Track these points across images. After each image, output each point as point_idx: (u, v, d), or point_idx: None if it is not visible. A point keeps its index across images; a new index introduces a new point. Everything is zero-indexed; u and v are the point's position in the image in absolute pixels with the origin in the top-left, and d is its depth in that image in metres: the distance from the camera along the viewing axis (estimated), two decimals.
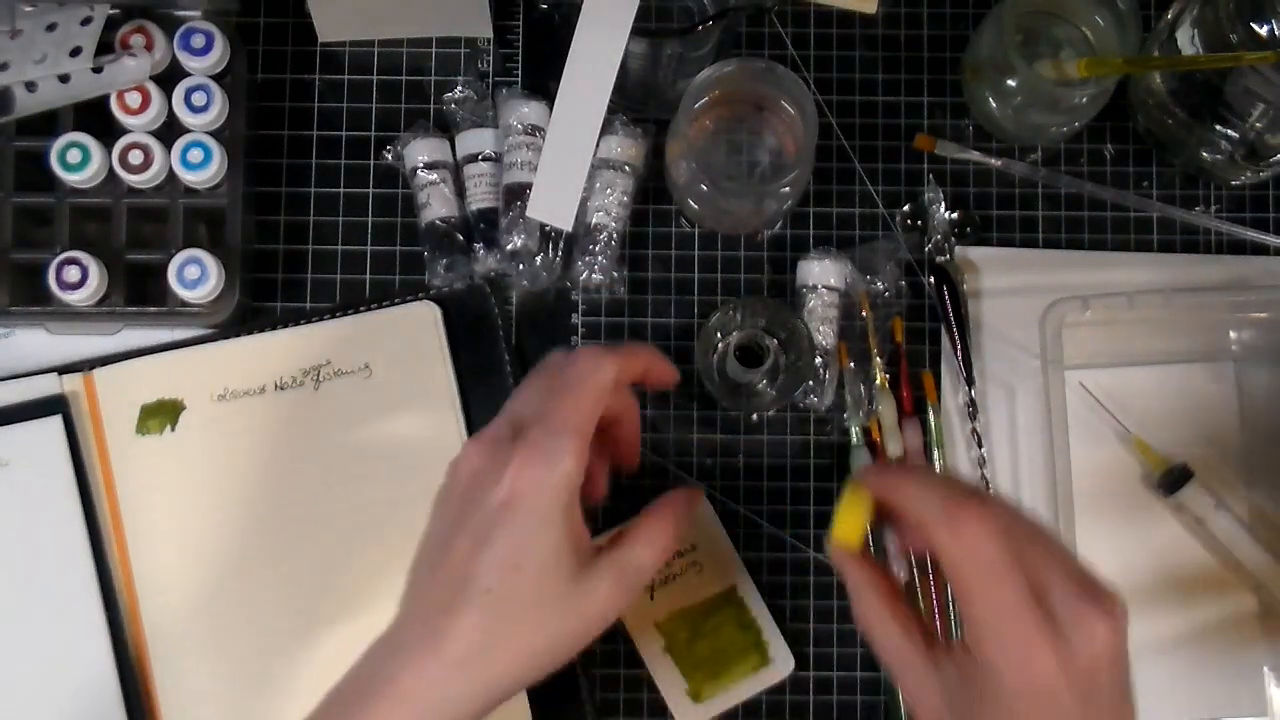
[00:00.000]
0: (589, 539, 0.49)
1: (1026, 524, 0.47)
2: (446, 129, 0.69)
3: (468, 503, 0.48)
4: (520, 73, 0.70)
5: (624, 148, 0.66)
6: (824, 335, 0.66)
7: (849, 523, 0.50)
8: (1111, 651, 0.44)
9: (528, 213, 0.63)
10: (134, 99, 0.64)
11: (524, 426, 0.49)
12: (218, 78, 0.65)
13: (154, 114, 0.64)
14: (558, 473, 0.46)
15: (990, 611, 0.45)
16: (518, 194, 0.66)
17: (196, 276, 0.64)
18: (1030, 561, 0.45)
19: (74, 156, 0.64)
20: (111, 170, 0.64)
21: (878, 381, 0.67)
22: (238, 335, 0.66)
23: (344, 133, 0.70)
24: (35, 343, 0.67)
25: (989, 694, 0.45)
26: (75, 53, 0.62)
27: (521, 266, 0.67)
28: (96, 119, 0.65)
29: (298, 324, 0.67)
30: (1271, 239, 0.70)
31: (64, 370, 0.65)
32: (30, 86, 0.63)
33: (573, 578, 0.47)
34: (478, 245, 0.67)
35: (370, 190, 0.70)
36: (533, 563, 0.46)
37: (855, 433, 0.67)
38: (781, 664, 0.65)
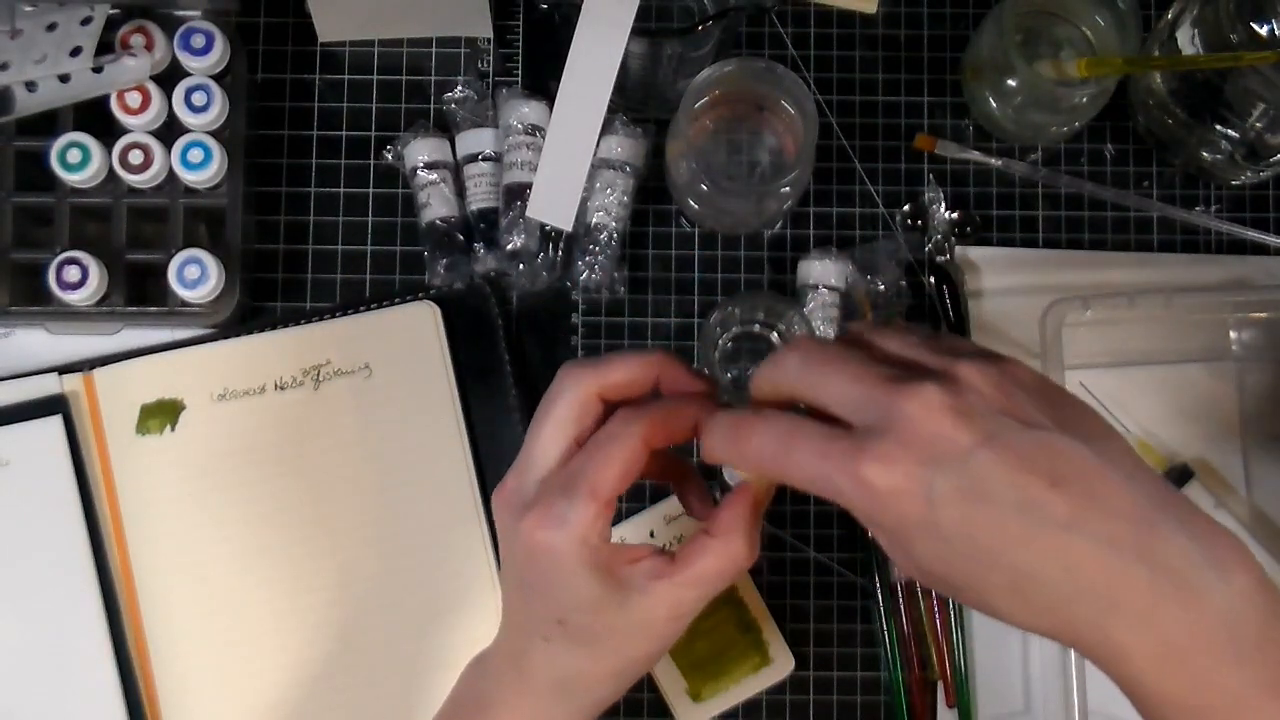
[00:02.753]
0: (637, 564, 0.47)
1: (813, 361, 0.43)
2: (446, 129, 0.69)
3: (506, 555, 0.49)
4: (520, 73, 0.70)
5: (624, 148, 0.66)
6: (824, 335, 0.66)
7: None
8: (944, 411, 0.39)
9: (528, 213, 0.63)
10: (134, 99, 0.64)
11: (540, 480, 0.48)
12: (218, 78, 0.65)
13: (154, 114, 0.64)
14: (567, 537, 0.45)
15: (807, 476, 0.42)
16: (518, 194, 0.66)
17: (196, 276, 0.64)
18: (827, 394, 0.42)
19: (74, 156, 0.64)
20: (111, 170, 0.64)
21: None
22: (238, 335, 0.66)
23: (344, 133, 0.70)
24: (35, 343, 0.67)
25: (880, 532, 0.42)
26: (75, 53, 0.62)
27: (521, 266, 0.67)
28: (96, 119, 0.65)
29: (298, 324, 0.67)
30: (1271, 239, 0.70)
31: (64, 370, 0.65)
32: (30, 86, 0.63)
33: (623, 611, 0.46)
34: (478, 245, 0.67)
35: (370, 190, 0.70)
36: (572, 615, 0.47)
37: None
38: (781, 664, 0.65)
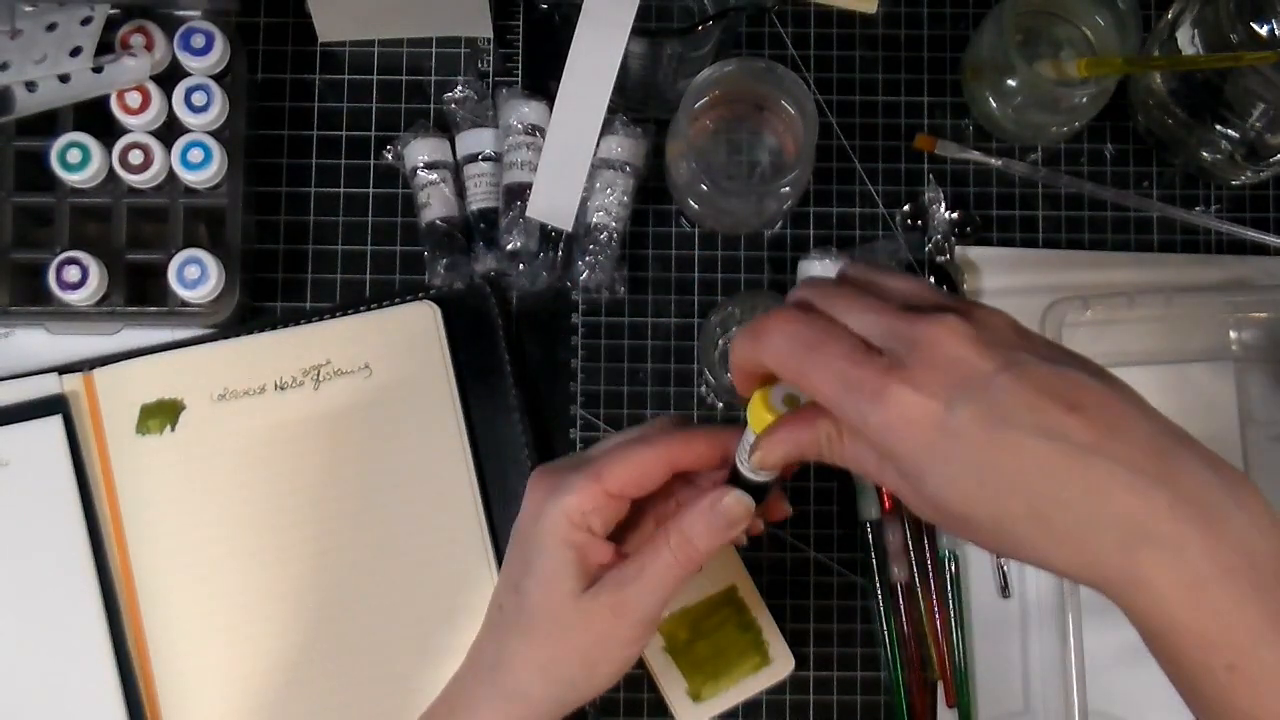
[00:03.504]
0: (601, 561, 0.48)
1: (828, 293, 0.43)
2: (446, 129, 0.69)
3: (516, 522, 0.51)
4: (520, 73, 0.70)
5: (624, 148, 0.66)
6: None
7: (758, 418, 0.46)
8: (966, 338, 0.40)
9: (528, 213, 0.63)
10: (134, 99, 0.64)
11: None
12: (218, 78, 0.65)
13: (154, 114, 0.64)
14: (555, 505, 0.47)
15: (828, 385, 0.41)
16: (518, 194, 0.66)
17: (196, 276, 0.64)
18: (848, 320, 0.42)
19: (74, 156, 0.64)
20: (111, 170, 0.64)
21: None
22: (238, 335, 0.66)
23: (344, 133, 0.70)
24: (35, 343, 0.67)
25: (886, 454, 0.41)
26: (75, 53, 0.62)
27: (521, 266, 0.67)
28: (96, 119, 0.65)
29: (298, 324, 0.67)
30: (1271, 239, 0.70)
31: (64, 370, 0.65)
32: (30, 86, 0.63)
33: (574, 599, 0.47)
34: (478, 245, 0.67)
35: (370, 190, 0.70)
36: (529, 584, 0.48)
37: None
38: (781, 664, 0.65)
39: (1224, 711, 0.38)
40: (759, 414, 0.45)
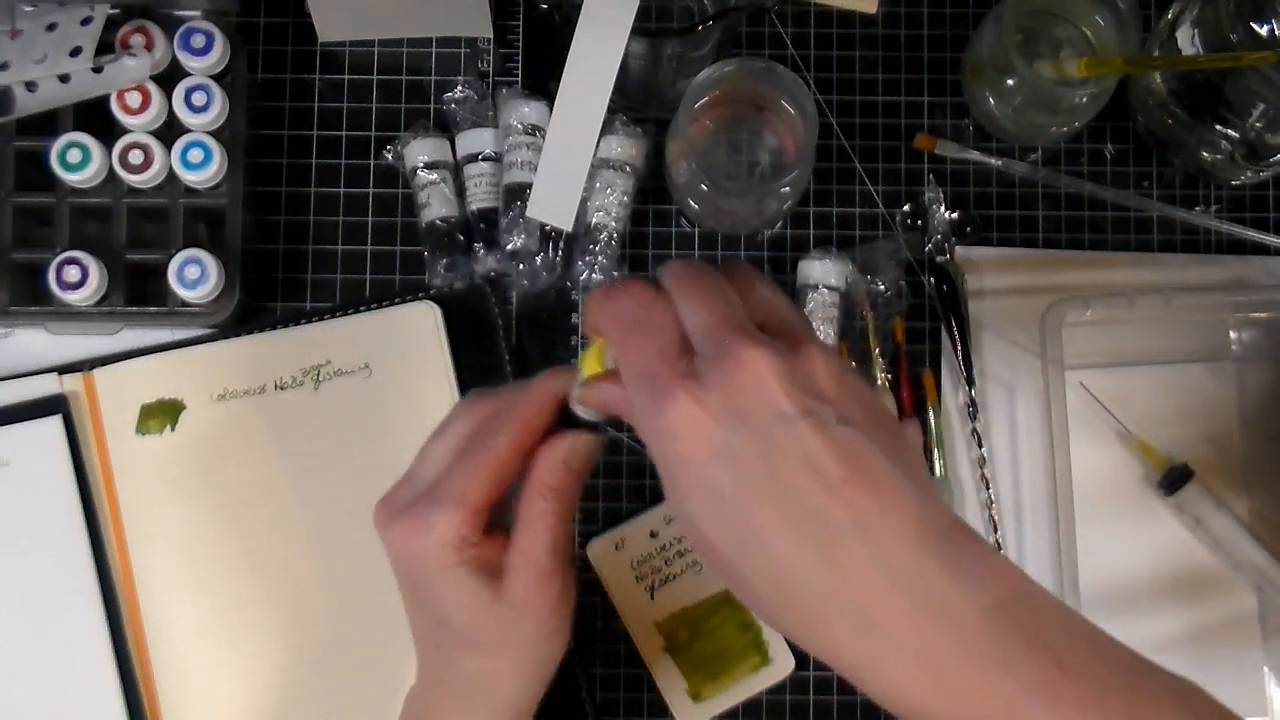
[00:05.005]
0: (498, 555, 0.47)
1: (687, 279, 0.42)
2: (446, 129, 0.69)
3: (391, 566, 0.49)
4: (520, 73, 0.70)
5: (624, 148, 0.66)
6: (824, 335, 0.66)
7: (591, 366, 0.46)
8: (773, 372, 0.38)
9: (528, 213, 0.63)
10: (134, 99, 0.64)
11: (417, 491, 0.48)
12: (218, 78, 0.65)
13: (154, 114, 0.64)
14: (428, 542, 0.46)
15: (630, 372, 0.40)
16: (518, 194, 0.66)
17: (196, 276, 0.64)
18: (684, 312, 0.41)
19: (74, 156, 0.64)
20: (111, 170, 0.64)
21: (878, 381, 0.67)
22: (238, 335, 0.66)
23: (344, 133, 0.70)
24: (35, 343, 0.67)
25: (655, 457, 0.40)
26: (75, 53, 0.62)
27: (521, 266, 0.67)
28: (96, 119, 0.65)
29: (298, 324, 0.67)
30: (1271, 239, 0.70)
31: (64, 370, 0.65)
32: (30, 86, 0.63)
33: (494, 603, 0.47)
34: (478, 245, 0.67)
35: (370, 190, 0.70)
36: (452, 613, 0.47)
37: None
38: (781, 664, 0.65)
39: None
40: (590, 363, 0.45)
